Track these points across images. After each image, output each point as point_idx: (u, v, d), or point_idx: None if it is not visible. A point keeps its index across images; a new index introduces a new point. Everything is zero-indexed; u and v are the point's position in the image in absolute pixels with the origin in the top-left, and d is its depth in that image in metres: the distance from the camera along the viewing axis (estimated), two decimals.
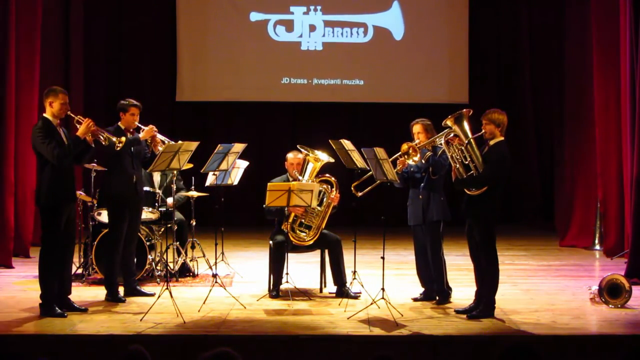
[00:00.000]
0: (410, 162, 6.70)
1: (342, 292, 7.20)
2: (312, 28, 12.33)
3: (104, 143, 6.65)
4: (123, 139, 6.84)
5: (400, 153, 6.72)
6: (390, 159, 6.71)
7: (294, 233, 7.24)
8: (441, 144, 6.58)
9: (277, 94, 12.39)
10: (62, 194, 6.47)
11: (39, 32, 9.40)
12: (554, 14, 11.70)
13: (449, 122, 6.45)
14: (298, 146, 7.48)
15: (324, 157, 7.31)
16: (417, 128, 6.91)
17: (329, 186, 7.30)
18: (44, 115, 6.51)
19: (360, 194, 6.99)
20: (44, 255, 6.47)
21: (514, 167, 12.33)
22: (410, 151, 6.66)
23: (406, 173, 6.91)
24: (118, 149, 6.78)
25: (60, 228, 6.46)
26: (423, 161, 6.82)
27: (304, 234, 7.27)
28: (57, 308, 6.42)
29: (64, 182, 6.49)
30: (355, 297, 7.12)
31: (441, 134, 6.62)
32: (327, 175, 7.41)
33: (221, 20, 12.32)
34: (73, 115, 6.55)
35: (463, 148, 6.36)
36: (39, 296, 6.50)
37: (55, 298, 6.47)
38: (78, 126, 6.50)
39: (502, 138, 6.45)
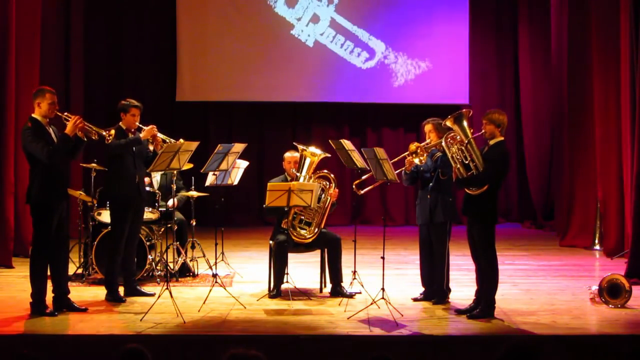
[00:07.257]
0: (417, 161, 6.72)
1: (337, 291, 7.21)
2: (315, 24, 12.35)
3: (94, 137, 6.64)
4: (112, 131, 6.83)
5: (407, 152, 6.74)
6: (397, 158, 6.74)
7: (294, 230, 7.24)
8: (441, 144, 6.59)
9: (277, 94, 12.38)
10: (53, 192, 6.44)
11: (39, 32, 9.40)
12: (554, 14, 11.70)
13: (448, 123, 6.47)
14: (294, 143, 7.52)
15: (319, 151, 7.34)
16: (428, 127, 6.95)
17: (327, 182, 7.31)
18: (33, 115, 6.49)
19: (362, 192, 7.00)
20: (34, 254, 6.48)
21: (514, 167, 12.47)
22: (418, 151, 6.68)
23: (416, 172, 6.93)
24: (108, 142, 6.76)
25: (52, 227, 6.43)
26: (431, 160, 6.84)
27: (305, 230, 7.27)
28: (47, 306, 6.44)
29: (55, 180, 6.47)
30: (350, 296, 7.12)
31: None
32: (326, 171, 7.41)
33: (221, 20, 12.31)
34: (60, 114, 6.54)
35: (463, 148, 6.38)
36: (30, 294, 6.51)
37: (45, 296, 6.48)
38: (66, 123, 6.46)
39: (502, 138, 6.50)
